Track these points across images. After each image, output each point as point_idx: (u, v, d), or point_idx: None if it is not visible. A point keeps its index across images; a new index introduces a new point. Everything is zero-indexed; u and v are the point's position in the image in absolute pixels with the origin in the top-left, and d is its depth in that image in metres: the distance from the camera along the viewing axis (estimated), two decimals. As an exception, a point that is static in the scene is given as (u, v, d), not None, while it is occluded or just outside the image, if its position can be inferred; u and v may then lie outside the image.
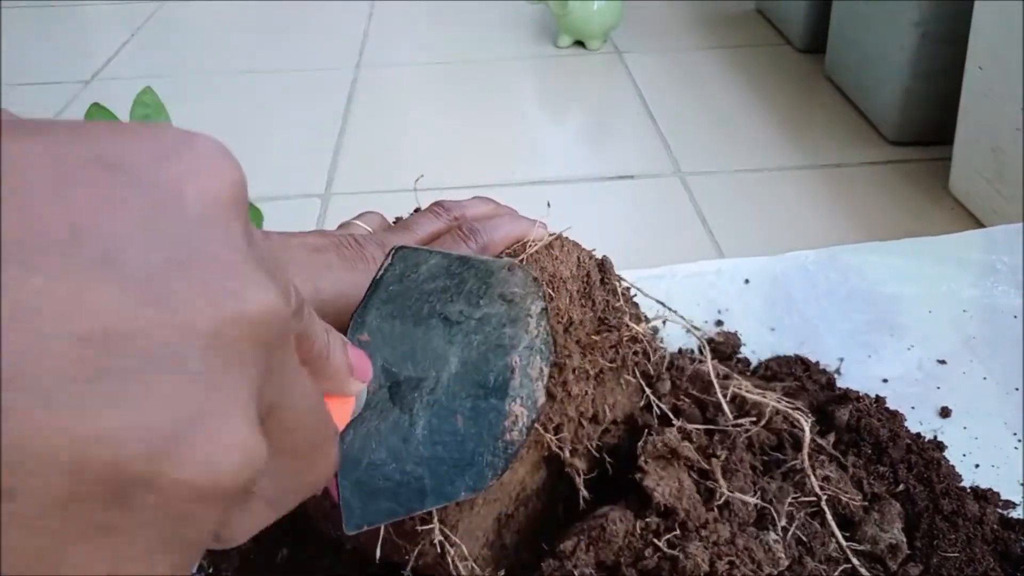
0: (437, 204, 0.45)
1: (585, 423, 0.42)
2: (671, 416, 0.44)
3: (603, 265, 0.45)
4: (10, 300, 0.15)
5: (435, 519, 0.37)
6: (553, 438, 0.40)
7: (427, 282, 0.35)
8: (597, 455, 0.43)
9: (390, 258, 0.34)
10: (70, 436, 0.15)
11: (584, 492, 0.42)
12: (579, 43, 1.23)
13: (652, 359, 0.46)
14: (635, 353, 0.44)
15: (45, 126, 0.18)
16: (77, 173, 0.17)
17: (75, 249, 0.16)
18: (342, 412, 0.30)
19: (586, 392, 0.42)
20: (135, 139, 0.19)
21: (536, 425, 0.39)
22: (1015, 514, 0.49)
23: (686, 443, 0.42)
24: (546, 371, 0.39)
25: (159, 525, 0.17)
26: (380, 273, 0.34)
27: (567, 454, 0.41)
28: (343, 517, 0.32)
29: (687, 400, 0.47)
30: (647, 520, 0.40)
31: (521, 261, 0.42)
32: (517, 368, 0.38)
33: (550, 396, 0.40)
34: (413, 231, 0.43)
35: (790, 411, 0.45)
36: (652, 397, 0.45)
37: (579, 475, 0.42)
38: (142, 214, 0.18)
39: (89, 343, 0.16)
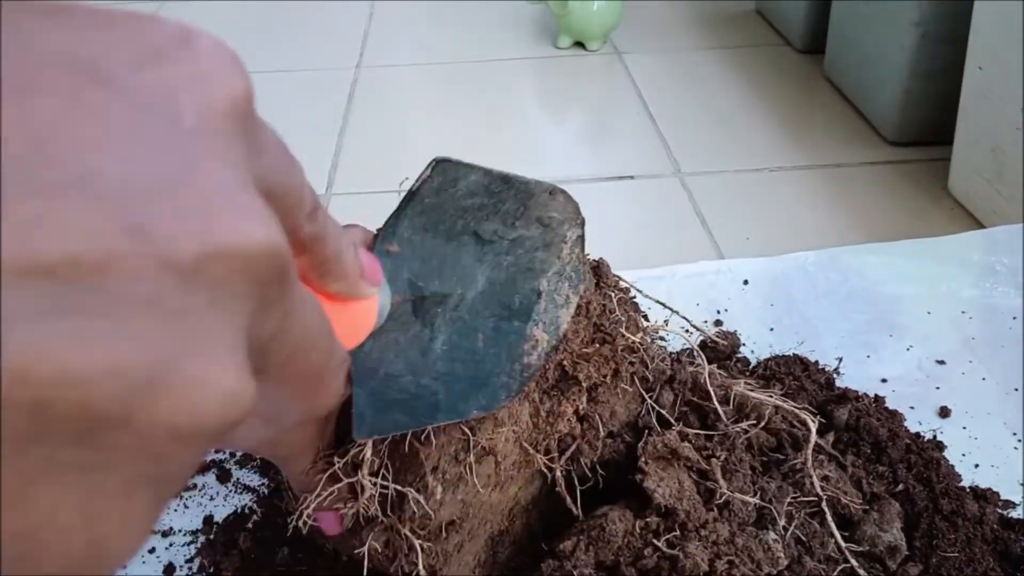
0: None
1: (580, 441, 0.41)
2: (671, 421, 0.44)
3: (598, 268, 0.44)
4: None
5: (420, 565, 0.35)
6: (543, 459, 0.39)
7: (464, 198, 0.35)
8: (591, 475, 0.42)
9: (429, 170, 0.34)
10: (29, 375, 0.14)
11: (577, 511, 0.41)
12: (579, 44, 1.23)
13: (651, 366, 0.44)
14: (631, 363, 0.43)
15: (12, 10, 0.15)
16: (41, 76, 0.15)
17: (37, 167, 0.14)
18: (364, 320, 0.29)
19: (578, 407, 0.41)
20: (115, 33, 0.16)
21: (555, 353, 0.38)
22: (1015, 514, 0.49)
23: (686, 444, 0.42)
24: (573, 299, 0.39)
25: (135, 463, 0.16)
26: (417, 185, 0.34)
27: (558, 474, 0.40)
28: (354, 424, 0.32)
29: (687, 407, 0.46)
30: (647, 520, 0.40)
31: None
32: (544, 293, 0.37)
33: (547, 414, 0.39)
34: None
35: (797, 411, 0.45)
36: (651, 403, 0.44)
37: (567, 496, 0.41)
38: (121, 125, 0.15)
39: (51, 275, 0.14)
